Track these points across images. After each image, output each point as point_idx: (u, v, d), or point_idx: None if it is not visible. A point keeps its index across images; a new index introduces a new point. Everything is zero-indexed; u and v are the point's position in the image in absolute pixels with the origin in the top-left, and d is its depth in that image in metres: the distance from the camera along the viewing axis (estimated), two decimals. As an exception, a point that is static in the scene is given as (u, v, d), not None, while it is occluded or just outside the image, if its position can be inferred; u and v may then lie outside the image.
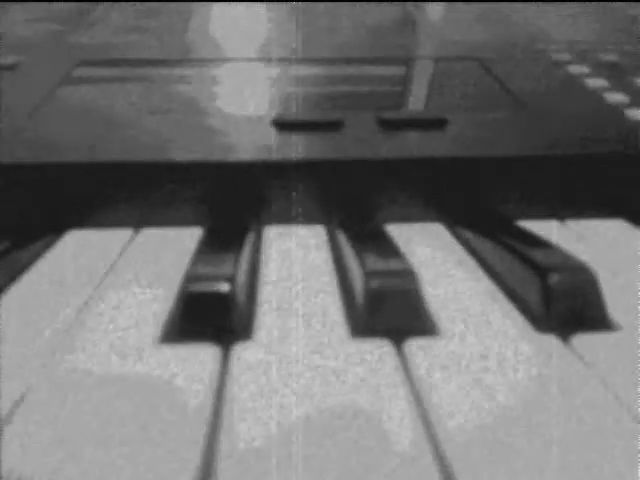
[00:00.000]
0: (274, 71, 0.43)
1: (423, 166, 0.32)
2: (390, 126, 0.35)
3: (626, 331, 0.22)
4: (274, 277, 0.26)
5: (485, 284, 0.26)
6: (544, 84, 0.41)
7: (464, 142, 0.33)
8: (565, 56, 0.46)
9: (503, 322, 0.23)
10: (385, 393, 0.18)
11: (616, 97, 0.39)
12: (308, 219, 0.33)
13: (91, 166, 0.31)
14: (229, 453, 0.16)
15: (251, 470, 0.15)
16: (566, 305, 0.23)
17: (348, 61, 0.45)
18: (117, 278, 0.26)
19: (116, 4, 0.58)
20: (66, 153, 0.31)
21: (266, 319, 0.23)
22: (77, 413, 0.17)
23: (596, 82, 0.41)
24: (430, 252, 0.29)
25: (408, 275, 0.23)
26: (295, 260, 0.28)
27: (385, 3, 0.60)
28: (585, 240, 0.31)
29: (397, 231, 0.32)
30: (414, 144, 0.33)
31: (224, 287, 0.22)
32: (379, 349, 0.21)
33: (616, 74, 0.43)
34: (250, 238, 0.29)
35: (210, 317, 0.22)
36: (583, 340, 0.21)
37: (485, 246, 0.29)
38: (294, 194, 0.33)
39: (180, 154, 0.32)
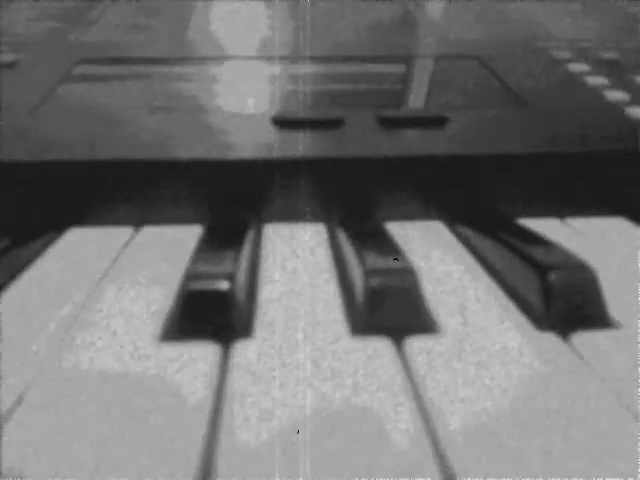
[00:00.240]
0: (274, 69, 0.43)
1: (423, 164, 0.32)
2: (390, 124, 0.34)
3: (626, 329, 0.22)
4: (274, 275, 0.26)
5: (485, 282, 0.26)
6: (544, 82, 0.41)
7: (464, 140, 0.33)
8: (565, 54, 0.45)
9: (503, 320, 0.23)
10: (385, 392, 0.18)
11: (616, 95, 0.39)
12: (308, 217, 0.33)
13: (91, 164, 0.31)
14: (229, 451, 0.16)
15: (251, 469, 0.15)
16: (566, 303, 0.23)
17: (348, 59, 0.45)
18: (117, 276, 0.26)
19: (116, 2, 0.58)
20: (66, 151, 0.31)
21: (266, 317, 0.23)
22: (77, 411, 0.17)
23: (596, 80, 0.41)
24: (430, 250, 0.29)
25: (408, 273, 0.23)
26: (295, 258, 0.28)
27: (385, 1, 0.60)
28: (585, 238, 0.31)
29: (397, 229, 0.32)
30: (414, 142, 0.33)
31: (224, 285, 0.22)
32: (379, 347, 0.21)
33: (616, 72, 0.43)
34: (250, 236, 0.29)
35: (210, 315, 0.22)
36: (583, 338, 0.21)
37: (485, 244, 0.29)
38: (294, 192, 0.33)
39: (180, 152, 0.32)
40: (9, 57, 0.42)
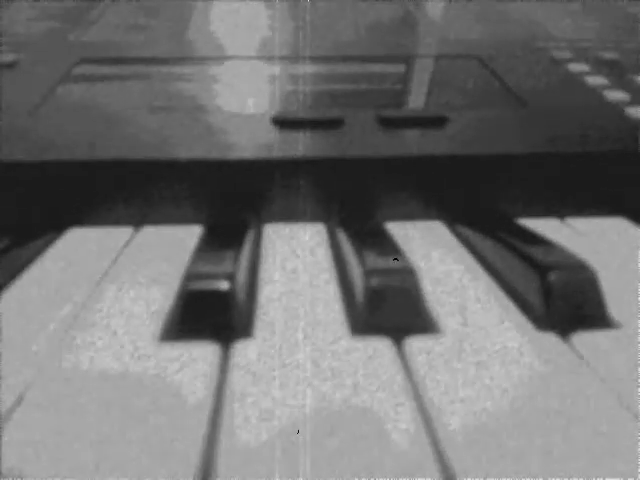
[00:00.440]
0: (274, 69, 0.43)
1: (423, 164, 0.32)
2: (390, 124, 0.35)
3: (626, 329, 0.22)
4: (274, 275, 0.26)
5: (485, 282, 0.26)
6: (544, 82, 0.41)
7: (464, 140, 0.33)
8: (565, 54, 0.45)
9: (503, 320, 0.23)
10: (385, 391, 0.18)
11: (616, 95, 0.39)
12: (308, 217, 0.33)
13: (91, 164, 0.31)
14: (229, 451, 0.16)
15: (251, 469, 0.15)
16: (566, 303, 0.23)
17: (348, 59, 0.45)
18: (117, 276, 0.26)
19: (116, 2, 0.58)
20: (66, 151, 0.31)
21: (266, 317, 0.23)
22: (77, 411, 0.17)
23: (596, 80, 0.41)
24: (430, 250, 0.29)
25: (408, 273, 0.23)
26: (295, 258, 0.28)
27: (385, 1, 0.60)
28: (585, 238, 0.31)
29: (397, 229, 0.32)
30: (414, 142, 0.33)
31: (224, 285, 0.22)
32: (379, 347, 0.21)
33: (616, 72, 0.43)
34: (250, 236, 0.29)
35: (210, 315, 0.22)
36: (583, 338, 0.21)
37: (485, 244, 0.29)
38: (294, 192, 0.33)
39: (180, 152, 0.32)
40: (9, 57, 0.42)
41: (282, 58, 0.44)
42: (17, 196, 0.32)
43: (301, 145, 0.32)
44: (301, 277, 0.26)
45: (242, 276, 0.24)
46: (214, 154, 0.32)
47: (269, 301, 0.24)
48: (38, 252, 0.29)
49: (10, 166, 0.31)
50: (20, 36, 0.48)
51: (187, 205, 0.33)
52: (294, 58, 0.45)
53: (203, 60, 0.44)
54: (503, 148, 0.33)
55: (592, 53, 0.46)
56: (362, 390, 0.18)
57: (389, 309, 0.22)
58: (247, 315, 0.23)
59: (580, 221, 0.34)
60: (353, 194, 0.33)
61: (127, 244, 0.30)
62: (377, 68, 0.44)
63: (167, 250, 0.29)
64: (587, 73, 0.43)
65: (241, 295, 0.23)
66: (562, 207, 0.34)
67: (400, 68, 0.44)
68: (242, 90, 0.39)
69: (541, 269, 0.23)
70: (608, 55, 0.46)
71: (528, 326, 0.22)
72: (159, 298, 0.24)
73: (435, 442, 0.16)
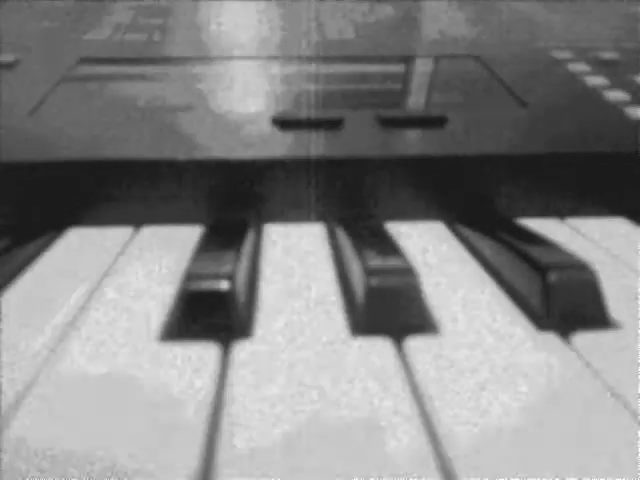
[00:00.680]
0: (274, 69, 0.43)
1: (423, 164, 0.32)
2: (390, 124, 0.35)
3: (626, 330, 0.22)
4: (274, 275, 0.26)
5: (485, 282, 0.26)
6: (544, 82, 0.41)
7: (464, 140, 0.33)
8: (565, 54, 0.45)
9: (503, 320, 0.23)
10: (385, 392, 0.18)
11: (616, 95, 0.39)
12: (308, 217, 0.33)
13: (91, 164, 0.31)
14: (229, 452, 0.16)
15: (251, 469, 0.15)
16: (566, 303, 0.23)
17: (348, 59, 0.45)
18: (117, 276, 0.26)
19: (117, 2, 0.58)
20: (66, 151, 0.31)
21: (266, 317, 0.23)
22: (76, 412, 0.17)
23: (596, 80, 0.41)
24: (430, 250, 0.29)
25: (408, 273, 0.23)
26: (295, 258, 0.28)
27: (385, 1, 0.60)
28: (585, 238, 0.31)
29: (397, 229, 0.32)
30: (414, 142, 0.33)
31: (224, 285, 0.22)
32: (379, 347, 0.21)
33: (616, 72, 0.43)
34: (250, 236, 0.29)
35: (210, 315, 0.22)
36: (584, 339, 0.21)
37: (485, 244, 0.29)
38: (294, 192, 0.33)
39: (180, 152, 0.32)
40: (9, 57, 0.42)
41: (282, 58, 0.45)
42: (17, 196, 0.32)
43: (301, 145, 0.32)
44: (301, 277, 0.26)
45: (242, 276, 0.24)
46: (214, 154, 0.32)
47: (269, 301, 0.24)
48: (38, 252, 0.29)
49: (10, 166, 0.31)
50: (20, 36, 0.48)
51: (187, 205, 0.33)
52: (294, 58, 0.45)
53: (203, 60, 0.44)
54: (503, 148, 0.33)
55: (592, 53, 0.46)
56: (362, 390, 0.18)
57: (389, 309, 0.22)
58: (247, 315, 0.23)
59: (580, 221, 0.34)
60: (353, 194, 0.33)
61: (127, 244, 0.30)
62: (377, 68, 0.44)
63: (167, 250, 0.29)
64: (587, 73, 0.43)
65: (241, 295, 0.23)
66: (562, 207, 0.34)
67: (400, 68, 0.44)
68: (242, 90, 0.39)
69: (541, 269, 0.23)
70: (608, 55, 0.46)
71: (528, 326, 0.22)
72: (159, 298, 0.24)
73: (436, 443, 0.16)
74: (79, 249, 0.29)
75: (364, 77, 0.42)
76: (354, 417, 0.17)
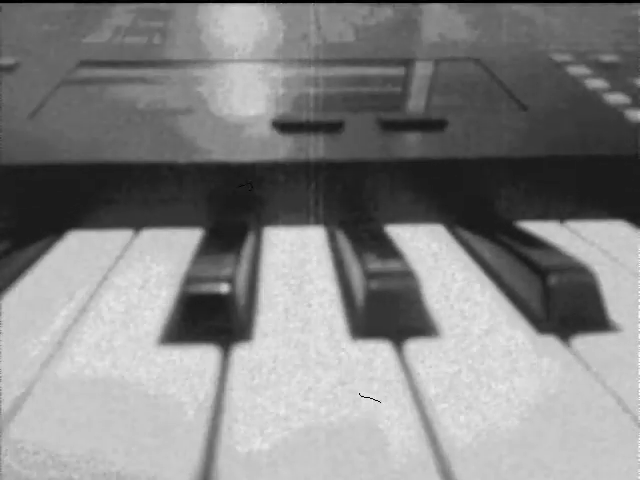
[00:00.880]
0: (274, 72, 0.43)
1: (423, 167, 0.32)
2: (390, 127, 0.35)
3: (626, 332, 0.22)
4: (274, 278, 0.26)
5: (485, 285, 0.26)
6: (544, 85, 0.41)
7: (464, 143, 0.33)
8: (565, 57, 0.46)
9: (503, 323, 0.23)
10: (385, 395, 0.18)
11: (616, 98, 0.39)
12: (308, 220, 0.33)
13: (91, 167, 0.31)
14: (229, 454, 0.16)
15: (251, 471, 0.15)
16: (566, 306, 0.23)
17: (348, 62, 0.45)
18: (117, 279, 0.26)
19: (117, 5, 0.58)
20: (66, 154, 0.31)
21: (266, 320, 0.23)
22: (76, 414, 0.17)
23: (596, 83, 0.41)
24: (430, 253, 0.29)
25: (408, 276, 0.23)
26: (295, 261, 0.28)
27: (385, 4, 0.60)
28: (585, 241, 0.31)
29: (397, 232, 0.32)
30: (414, 145, 0.33)
31: (224, 288, 0.22)
32: (379, 350, 0.21)
33: (616, 75, 0.43)
34: (250, 239, 0.29)
35: (210, 318, 0.21)
36: (583, 341, 0.21)
37: (485, 247, 0.29)
38: (294, 195, 0.33)
39: (180, 155, 0.32)
40: (9, 60, 0.42)
41: (282, 61, 0.45)
42: (17, 199, 0.32)
43: (301, 148, 0.32)
44: (301, 280, 0.26)
45: (242, 279, 0.24)
46: (214, 157, 0.32)
47: (269, 304, 0.24)
48: (38, 255, 0.29)
49: (10, 169, 0.31)
50: (20, 39, 0.48)
51: (187, 208, 0.33)
52: (294, 61, 0.45)
53: (202, 63, 0.44)
54: (503, 151, 0.33)
55: (592, 56, 0.46)
56: (362, 393, 0.18)
57: (389, 312, 0.22)
58: (247, 318, 0.23)
59: (580, 224, 0.34)
60: (353, 197, 0.33)
61: (127, 247, 0.30)
62: (377, 71, 0.44)
63: (167, 253, 0.29)
64: (587, 76, 0.43)
65: (241, 298, 0.23)
66: (562, 210, 0.34)
67: (400, 71, 0.44)
68: (242, 93, 0.39)
69: (541, 272, 0.23)
70: (608, 58, 0.46)
71: (528, 329, 0.22)
72: (159, 301, 0.24)
73: (436, 446, 0.16)
74: (79, 252, 0.29)
75: (364, 80, 0.42)
76: (354, 420, 0.17)
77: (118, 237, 0.31)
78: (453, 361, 0.20)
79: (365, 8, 0.59)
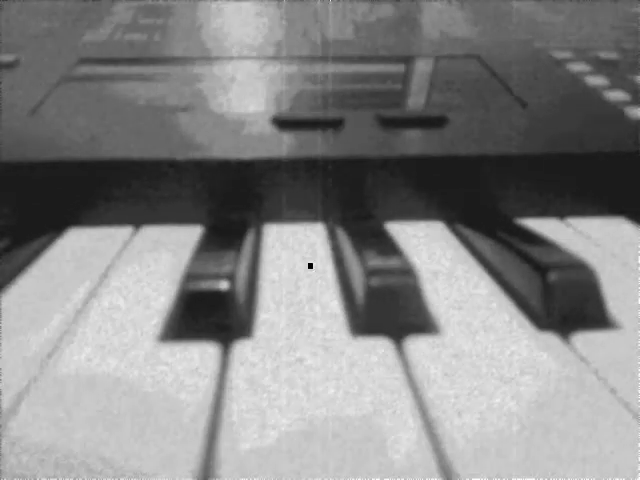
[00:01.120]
0: (274, 69, 0.43)
1: (423, 164, 0.32)
2: (390, 124, 0.35)
3: (626, 329, 0.22)
4: (274, 275, 0.26)
5: (485, 282, 0.26)
6: (544, 82, 0.41)
7: (464, 140, 0.33)
8: (565, 54, 0.45)
9: (503, 320, 0.23)
10: (385, 392, 0.18)
11: (616, 95, 0.39)
12: (308, 217, 0.33)
13: (91, 164, 0.31)
14: (229, 452, 0.16)
15: (251, 469, 0.15)
16: (566, 303, 0.23)
17: (348, 59, 0.45)
18: (117, 276, 0.26)
19: (117, 2, 0.58)
20: (66, 151, 0.31)
21: (266, 317, 0.23)
22: (76, 412, 0.17)
23: (596, 80, 0.41)
24: (430, 250, 0.29)
25: (408, 273, 0.23)
26: (295, 258, 0.28)
27: (385, 1, 0.60)
28: (585, 238, 0.31)
29: (397, 229, 0.32)
30: (414, 142, 0.33)
31: (224, 285, 0.22)
32: (379, 347, 0.21)
33: (616, 72, 0.43)
34: (250, 236, 0.29)
35: (210, 315, 0.22)
36: (583, 338, 0.21)
37: (485, 244, 0.29)
38: (294, 192, 0.33)
39: (180, 152, 0.32)
40: (10, 57, 0.42)
41: (282, 58, 0.45)
42: (17, 196, 0.32)
43: (301, 145, 0.32)
44: (301, 277, 0.26)
45: (242, 276, 0.24)
46: (214, 154, 0.32)
47: (269, 301, 0.24)
48: (38, 252, 0.29)
49: (10, 166, 0.31)
50: (21, 36, 0.48)
51: (187, 205, 0.33)
52: (294, 58, 0.45)
53: (203, 60, 0.44)
54: (503, 148, 0.33)
55: (592, 53, 0.46)
56: (362, 390, 0.18)
57: (389, 309, 0.22)
58: (247, 315, 0.23)
59: (580, 221, 0.34)
60: (353, 194, 0.33)
61: (127, 244, 0.30)
62: (377, 68, 0.44)
63: (167, 250, 0.29)
64: (587, 73, 0.43)
65: (241, 295, 0.23)
66: (562, 207, 0.34)
67: (400, 68, 0.44)
68: (242, 90, 0.39)
69: (541, 269, 0.23)
70: (608, 55, 0.46)
71: (528, 326, 0.22)
72: (159, 298, 0.24)
73: (436, 443, 0.16)
74: (79, 249, 0.29)
75: (364, 77, 0.42)
76: (354, 417, 0.17)
77: (118, 234, 0.31)
78: (453, 358, 0.20)
79: (365, 5, 0.59)
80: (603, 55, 0.46)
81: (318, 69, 0.43)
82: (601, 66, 0.44)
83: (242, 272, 0.24)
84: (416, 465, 0.15)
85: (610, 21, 0.56)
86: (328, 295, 0.25)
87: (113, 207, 0.32)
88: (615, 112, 0.37)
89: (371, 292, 0.22)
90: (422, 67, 0.44)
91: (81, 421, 0.17)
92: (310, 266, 0.27)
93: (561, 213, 0.34)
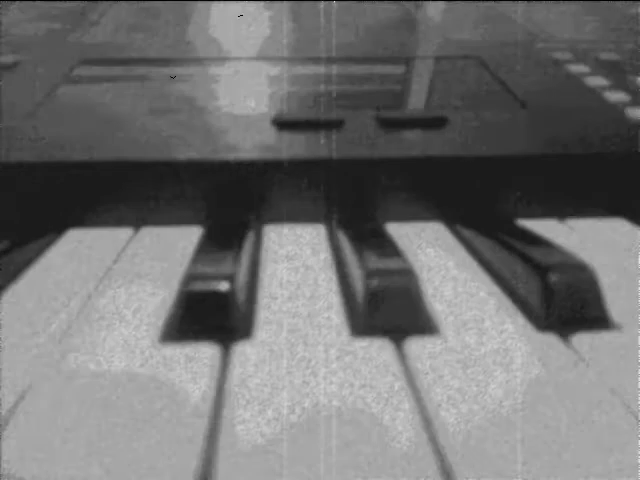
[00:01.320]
0: (274, 70, 0.43)
1: (423, 165, 0.32)
2: (390, 125, 0.35)
3: (626, 330, 0.22)
4: (274, 276, 0.26)
5: (485, 283, 0.26)
6: (544, 83, 0.41)
7: (464, 141, 0.33)
8: (565, 55, 0.45)
9: (503, 321, 0.23)
10: (385, 392, 0.18)
11: (616, 96, 0.39)
12: (308, 218, 0.33)
13: (92, 165, 0.31)
14: (229, 451, 0.16)
15: (251, 469, 0.15)
16: (566, 304, 0.23)
17: (348, 60, 0.45)
18: (117, 277, 0.26)
19: (117, 3, 0.58)
20: (66, 152, 0.31)
21: (266, 318, 0.23)
22: (77, 412, 0.17)
23: (596, 81, 0.41)
24: (430, 251, 0.29)
25: (408, 274, 0.23)
26: (295, 259, 0.28)
27: (385, 2, 0.60)
28: (585, 239, 0.31)
29: (397, 230, 0.32)
30: (414, 143, 0.33)
31: (224, 286, 0.22)
32: (379, 349, 0.21)
33: (616, 73, 0.43)
34: (250, 237, 0.29)
35: (210, 316, 0.22)
36: (583, 339, 0.21)
37: (485, 245, 0.29)
38: (294, 193, 0.33)
39: (180, 153, 0.32)
40: (9, 58, 0.42)
41: (282, 59, 0.45)
42: (17, 197, 0.32)
43: (301, 146, 0.32)
44: (301, 278, 0.26)
45: (242, 277, 0.24)
46: (214, 155, 0.32)
47: (269, 302, 0.24)
48: (38, 253, 0.29)
49: (10, 167, 0.31)
50: (21, 37, 0.48)
51: (187, 206, 0.33)
52: (294, 59, 0.45)
53: (203, 61, 0.44)
54: (503, 149, 0.33)
55: (592, 54, 0.46)
56: (362, 391, 0.18)
57: (389, 310, 0.22)
58: (247, 316, 0.23)
59: (580, 222, 0.34)
60: (353, 195, 0.33)
61: (127, 245, 0.30)
62: (377, 69, 0.44)
63: (167, 251, 0.29)
64: (587, 74, 0.43)
65: (241, 296, 0.23)
66: (562, 208, 0.34)
67: (400, 69, 0.44)
68: (242, 91, 0.39)
69: (541, 270, 0.23)
70: (608, 56, 0.46)
71: (528, 327, 0.22)
72: (159, 299, 0.24)
73: (435, 443, 0.16)
74: (79, 250, 0.29)
75: (364, 78, 0.42)
76: (354, 417, 0.17)
77: (118, 235, 0.31)
78: (452, 359, 0.20)
79: (365, 6, 0.59)
80: (603, 56, 0.46)
81: (318, 70, 0.43)
82: (601, 67, 0.44)
83: (242, 273, 0.24)
84: (416, 463, 0.15)
85: (610, 22, 0.56)
86: (328, 296, 0.25)
87: (113, 208, 0.32)
88: (615, 113, 0.37)
89: (371, 293, 0.22)
90: (422, 68, 0.44)
91: (80, 421, 0.17)
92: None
93: (561, 214, 0.34)
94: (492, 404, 0.18)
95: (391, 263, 0.24)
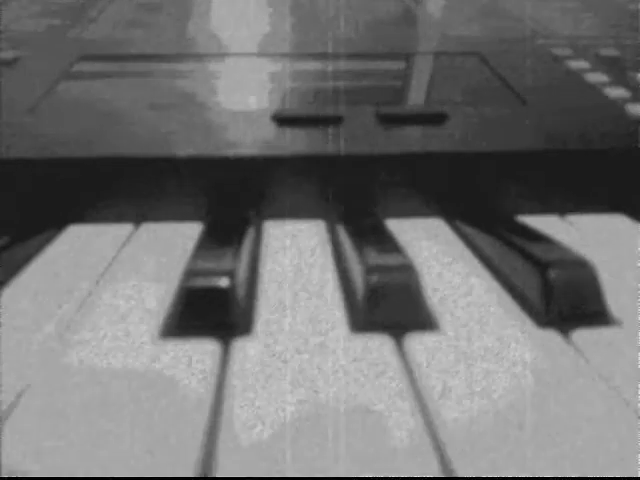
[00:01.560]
0: (274, 66, 0.43)
1: (423, 161, 0.32)
2: (390, 121, 0.34)
3: (626, 326, 0.22)
4: (274, 272, 0.26)
5: (485, 279, 0.26)
6: (544, 79, 0.41)
7: (464, 137, 0.33)
8: (565, 51, 0.45)
9: (503, 317, 0.23)
10: (385, 388, 0.18)
11: (616, 92, 0.39)
12: (308, 214, 0.33)
13: (91, 161, 0.31)
14: (229, 447, 0.16)
15: (251, 464, 0.15)
16: (566, 300, 0.23)
17: (348, 56, 0.45)
18: (117, 273, 0.26)
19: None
20: (66, 148, 0.31)
21: (266, 314, 0.23)
22: (77, 408, 0.17)
23: (596, 77, 0.41)
24: (430, 247, 0.30)
25: (408, 270, 0.23)
26: (295, 255, 0.28)
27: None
28: (585, 235, 0.31)
29: (397, 226, 0.32)
30: (414, 139, 0.33)
31: (224, 282, 0.22)
32: (379, 344, 0.21)
33: (616, 69, 0.43)
34: (250, 233, 0.29)
35: (210, 312, 0.22)
36: (583, 335, 0.21)
37: (485, 241, 0.29)
38: (294, 189, 0.33)
39: (180, 149, 0.32)
40: (9, 54, 0.42)
41: (282, 55, 0.44)
42: (17, 193, 0.32)
43: (301, 142, 0.32)
44: (301, 274, 0.26)
45: (242, 273, 0.24)
46: (214, 151, 0.32)
47: (269, 298, 0.24)
48: (38, 249, 0.29)
49: (10, 163, 0.31)
50: (20, 33, 0.48)
51: (187, 202, 0.33)
52: (294, 55, 0.45)
53: (203, 57, 0.44)
54: (503, 145, 0.33)
55: (592, 50, 0.46)
56: (362, 386, 0.18)
57: (389, 306, 0.22)
58: (247, 312, 0.23)
59: (580, 218, 0.34)
60: (353, 191, 0.33)
61: (127, 241, 0.30)
62: (377, 65, 0.44)
63: (167, 247, 0.29)
64: (587, 70, 0.43)
65: (241, 292, 0.23)
66: (562, 204, 0.34)
67: (400, 65, 0.44)
68: (242, 87, 0.39)
69: (541, 266, 0.23)
70: (608, 52, 0.46)
71: (528, 323, 0.22)
72: (159, 295, 0.24)
73: (435, 438, 0.16)
74: (79, 246, 0.29)
75: (364, 74, 0.42)
76: (354, 413, 0.17)
77: (118, 231, 0.31)
78: (452, 354, 0.20)
79: (365, 1, 0.58)
80: (603, 52, 0.46)
81: (318, 65, 0.43)
82: (601, 63, 0.44)
83: (242, 269, 0.24)
84: (415, 457, 0.15)
85: (610, 18, 0.56)
86: (328, 292, 0.25)
87: (113, 204, 0.32)
88: (615, 109, 0.37)
89: (371, 289, 0.22)
90: (422, 64, 0.44)
91: (80, 417, 0.17)
92: None
93: (561, 210, 0.34)
94: (492, 399, 0.18)
95: (391, 259, 0.24)
